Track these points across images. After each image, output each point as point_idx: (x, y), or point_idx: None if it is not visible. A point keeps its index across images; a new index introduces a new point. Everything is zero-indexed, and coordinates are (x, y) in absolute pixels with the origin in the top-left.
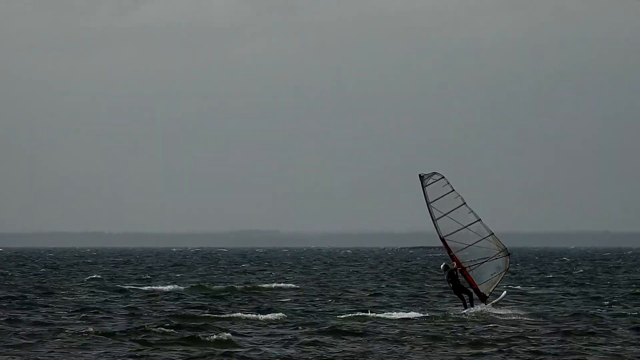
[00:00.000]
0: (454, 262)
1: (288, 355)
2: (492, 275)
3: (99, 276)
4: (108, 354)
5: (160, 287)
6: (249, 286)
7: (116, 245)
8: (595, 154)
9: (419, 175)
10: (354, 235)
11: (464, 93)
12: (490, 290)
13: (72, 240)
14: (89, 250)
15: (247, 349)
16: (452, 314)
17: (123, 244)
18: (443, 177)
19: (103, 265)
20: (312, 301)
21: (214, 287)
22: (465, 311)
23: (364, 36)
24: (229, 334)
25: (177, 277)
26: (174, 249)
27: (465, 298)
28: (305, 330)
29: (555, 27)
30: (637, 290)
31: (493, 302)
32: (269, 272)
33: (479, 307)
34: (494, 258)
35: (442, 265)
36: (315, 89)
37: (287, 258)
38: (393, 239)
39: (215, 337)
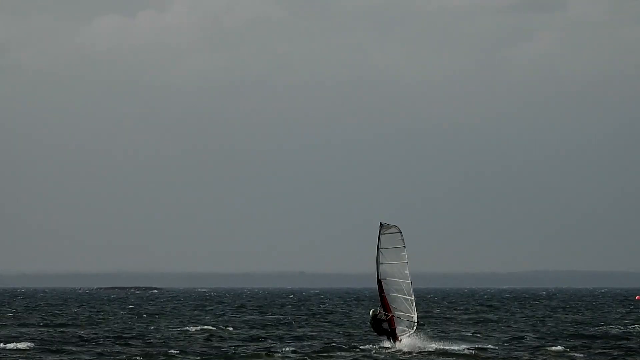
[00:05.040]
0: (381, 307)
1: None
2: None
3: None
4: None
5: None
6: None
7: None
8: None
9: (380, 223)
10: (50, 276)
11: None
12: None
13: None
14: None
15: None
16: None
17: None
18: (400, 232)
19: None
20: None
21: None
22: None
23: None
24: None
25: None
26: None
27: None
28: None
29: None
30: None
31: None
32: None
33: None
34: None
35: (370, 311)
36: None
37: None
38: (84, 280)
39: None
